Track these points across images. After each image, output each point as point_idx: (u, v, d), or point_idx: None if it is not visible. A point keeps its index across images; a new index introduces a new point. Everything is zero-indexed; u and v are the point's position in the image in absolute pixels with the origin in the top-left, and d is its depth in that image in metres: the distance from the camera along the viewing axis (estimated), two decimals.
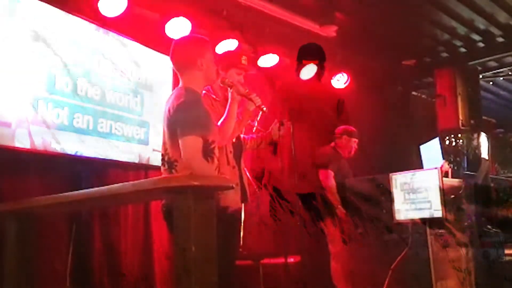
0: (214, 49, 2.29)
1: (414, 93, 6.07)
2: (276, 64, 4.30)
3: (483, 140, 4.93)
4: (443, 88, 4.82)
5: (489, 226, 3.20)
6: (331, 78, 4.89)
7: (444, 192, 2.94)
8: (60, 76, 2.98)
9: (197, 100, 2.07)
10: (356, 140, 4.09)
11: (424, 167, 3.65)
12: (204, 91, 2.58)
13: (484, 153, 4.76)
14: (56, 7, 3.00)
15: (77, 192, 2.13)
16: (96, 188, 1.96)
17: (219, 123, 2.27)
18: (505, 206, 3.58)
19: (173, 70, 3.74)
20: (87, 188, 2.22)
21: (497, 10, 4.39)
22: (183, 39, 2.32)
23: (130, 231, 3.44)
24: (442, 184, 2.94)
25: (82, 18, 3.17)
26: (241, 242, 3.08)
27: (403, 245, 3.15)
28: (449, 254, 3.00)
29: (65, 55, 3.03)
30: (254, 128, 2.77)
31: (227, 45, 3.82)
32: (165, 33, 3.56)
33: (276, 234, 4.20)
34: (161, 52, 3.71)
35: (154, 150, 3.58)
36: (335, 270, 3.78)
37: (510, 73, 5.73)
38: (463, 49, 5.19)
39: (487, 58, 5.24)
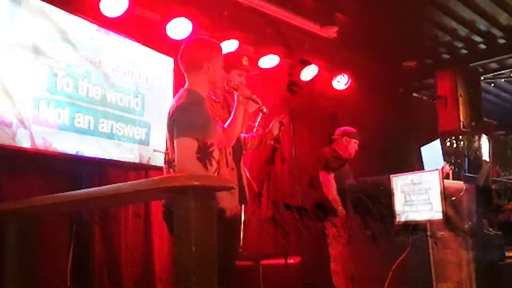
0: (223, 54, 2.28)
1: (415, 94, 6.06)
2: (277, 65, 4.30)
3: (484, 142, 4.93)
4: (444, 89, 4.80)
5: (490, 229, 3.20)
6: (332, 79, 4.89)
7: (445, 194, 2.94)
8: (61, 76, 2.98)
9: (198, 102, 2.07)
10: (357, 141, 4.09)
11: (425, 169, 3.64)
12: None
13: (485, 155, 4.76)
14: (57, 7, 3.00)
15: (77, 191, 2.14)
16: (96, 188, 1.96)
17: (225, 125, 2.28)
18: (506, 209, 3.57)
19: (174, 71, 3.79)
20: (87, 188, 2.23)
21: (499, 11, 4.38)
22: (194, 40, 2.32)
23: (131, 231, 3.44)
24: (443, 186, 2.93)
25: (84, 18, 3.17)
26: (241, 243, 3.08)
27: (404, 247, 3.14)
28: (449, 256, 2.99)
29: (66, 55, 3.03)
30: (255, 129, 2.76)
31: (228, 46, 3.82)
32: (166, 34, 3.56)
33: (276, 235, 4.20)
34: (162, 53, 3.71)
35: (154, 150, 3.58)
36: (335, 272, 3.78)
37: (511, 74, 5.72)
38: (464, 51, 5.18)
39: (489, 60, 5.23)
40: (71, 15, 3.09)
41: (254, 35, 4.15)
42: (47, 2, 2.95)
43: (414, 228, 3.14)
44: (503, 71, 5.61)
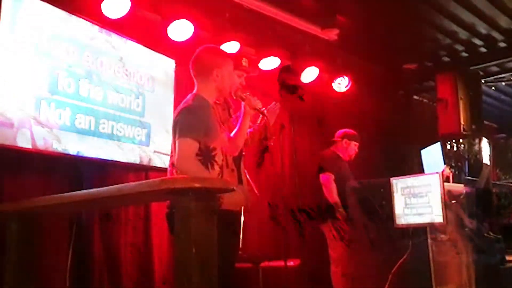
0: (233, 64, 2.31)
1: (415, 97, 6.06)
2: (278, 67, 4.30)
3: (485, 145, 4.93)
4: (444, 92, 4.80)
5: (490, 232, 3.19)
6: (332, 82, 4.89)
7: (445, 197, 2.94)
8: (62, 77, 2.99)
9: (202, 106, 2.11)
10: (357, 143, 4.10)
11: (425, 172, 3.64)
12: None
13: (486, 158, 4.76)
14: (59, 8, 3.01)
15: (78, 192, 2.13)
16: (97, 189, 1.96)
17: (231, 134, 2.32)
18: (507, 212, 3.57)
19: (175, 72, 3.79)
20: (88, 189, 2.22)
21: (499, 15, 4.39)
22: (206, 48, 2.37)
23: (131, 232, 3.44)
24: (443, 189, 2.93)
25: (85, 19, 3.17)
26: (241, 245, 3.07)
27: (404, 250, 3.14)
28: (450, 259, 2.99)
29: (68, 56, 3.03)
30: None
31: (229, 48, 3.82)
32: (168, 35, 3.57)
33: (276, 237, 4.19)
34: (164, 54, 3.72)
35: (155, 151, 3.58)
36: (335, 274, 3.77)
37: (511, 78, 5.72)
38: (464, 54, 5.18)
39: (489, 63, 5.23)
40: (73, 16, 3.10)
41: (255, 37, 4.15)
42: (49, 3, 2.96)
43: (414, 231, 3.14)
44: (503, 75, 5.61)
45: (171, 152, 2.19)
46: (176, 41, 3.61)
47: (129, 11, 3.24)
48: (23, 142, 2.75)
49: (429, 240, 2.99)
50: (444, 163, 3.73)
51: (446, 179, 3.30)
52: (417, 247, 3.08)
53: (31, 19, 2.85)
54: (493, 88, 6.06)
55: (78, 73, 3.08)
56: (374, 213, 3.51)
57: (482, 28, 4.63)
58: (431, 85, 5.42)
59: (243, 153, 2.53)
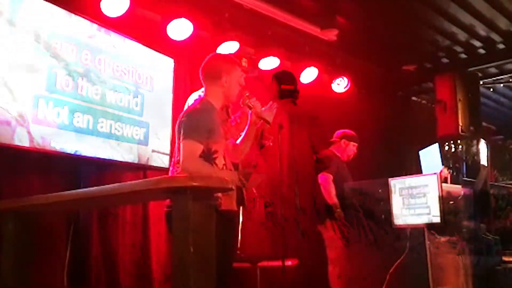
0: (242, 72, 2.35)
1: (414, 98, 6.07)
2: (277, 67, 4.30)
3: (483, 147, 4.94)
4: (443, 94, 4.80)
5: (487, 233, 3.19)
6: (332, 82, 4.89)
7: (443, 198, 2.94)
8: (61, 75, 2.98)
9: (208, 111, 2.17)
10: (356, 144, 4.10)
11: (423, 173, 3.65)
12: (203, 93, 2.60)
13: (483, 159, 4.77)
14: (58, 6, 3.00)
15: (75, 191, 2.13)
16: (95, 188, 1.95)
17: (237, 141, 2.38)
18: (504, 213, 3.57)
19: (174, 71, 3.79)
20: (85, 188, 2.22)
21: (498, 16, 4.39)
22: (216, 54, 2.46)
23: (129, 231, 3.43)
24: (441, 190, 2.94)
25: (84, 17, 3.17)
26: (239, 245, 3.07)
27: (401, 251, 3.14)
28: (447, 260, 2.99)
29: (66, 54, 3.02)
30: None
31: (229, 48, 3.82)
32: (167, 34, 3.56)
33: (274, 237, 4.19)
34: (163, 53, 3.71)
35: (153, 151, 3.57)
36: (332, 274, 3.77)
37: (510, 80, 5.73)
38: (463, 55, 5.19)
39: (488, 65, 5.24)
40: (72, 15, 3.09)
41: (255, 37, 4.15)
42: (48, 1, 2.95)
43: (412, 231, 3.14)
44: (502, 76, 5.62)
45: (173, 152, 2.22)
46: (175, 40, 3.61)
47: (128, 9, 3.24)
48: (21, 141, 2.75)
49: (426, 241, 2.99)
50: (442, 164, 3.73)
51: (444, 180, 3.31)
52: (415, 248, 3.08)
53: (30, 17, 2.84)
54: (492, 89, 6.07)
55: (77, 72, 3.07)
56: (372, 213, 3.51)
57: (481, 30, 4.64)
58: (430, 87, 5.42)
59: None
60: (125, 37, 3.44)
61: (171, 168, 2.27)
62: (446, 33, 4.70)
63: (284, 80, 3.08)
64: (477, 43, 4.93)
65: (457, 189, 3.29)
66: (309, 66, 4.57)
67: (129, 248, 3.42)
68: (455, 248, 3.02)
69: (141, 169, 3.56)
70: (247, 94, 2.38)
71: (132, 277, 3.38)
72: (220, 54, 2.47)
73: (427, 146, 3.96)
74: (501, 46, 4.93)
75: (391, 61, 5.16)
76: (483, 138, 5.10)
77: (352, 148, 4.08)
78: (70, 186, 2.82)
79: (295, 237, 3.82)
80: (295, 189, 3.10)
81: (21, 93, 2.77)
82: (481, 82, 5.39)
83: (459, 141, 5.41)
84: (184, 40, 3.61)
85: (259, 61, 4.21)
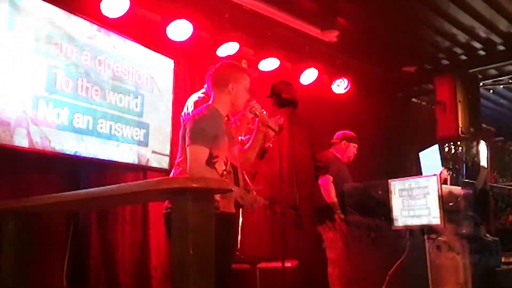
0: (249, 81, 2.39)
1: (414, 99, 6.07)
2: (277, 68, 4.31)
3: (482, 148, 4.94)
4: (443, 95, 4.80)
5: (487, 234, 3.20)
6: (332, 83, 4.90)
7: (443, 199, 2.94)
8: (61, 76, 2.98)
9: (214, 117, 2.21)
10: (356, 145, 4.10)
11: (423, 174, 3.65)
12: (203, 94, 2.60)
13: (483, 161, 4.76)
14: (58, 7, 3.01)
15: (75, 192, 2.13)
16: (94, 188, 1.96)
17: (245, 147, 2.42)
18: (503, 214, 3.57)
19: (174, 72, 3.79)
20: (85, 188, 2.22)
21: (498, 18, 4.39)
22: (225, 62, 2.47)
23: (128, 232, 3.43)
24: (441, 191, 2.94)
25: (84, 18, 3.17)
26: (239, 246, 3.07)
27: (401, 251, 3.14)
28: (447, 261, 2.99)
29: (66, 55, 3.03)
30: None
31: (228, 49, 3.82)
32: (167, 35, 3.56)
33: (273, 238, 4.19)
34: (163, 54, 3.71)
35: (153, 151, 3.57)
36: (331, 275, 3.77)
37: (510, 81, 5.73)
38: (463, 57, 5.19)
39: (488, 66, 5.24)
40: (72, 15, 3.09)
41: (255, 38, 4.15)
42: (48, 2, 2.95)
43: (412, 233, 3.14)
44: (502, 78, 5.62)
45: (175, 153, 2.24)
46: (175, 41, 3.61)
47: (128, 10, 3.24)
48: (20, 141, 2.75)
49: (426, 242, 2.99)
50: (442, 166, 3.73)
51: (444, 182, 3.31)
52: (415, 249, 3.08)
53: (30, 18, 2.84)
54: (492, 91, 6.07)
55: (77, 72, 3.08)
56: (372, 215, 3.51)
57: (481, 31, 4.64)
58: (430, 88, 5.42)
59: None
60: (125, 37, 3.44)
61: (173, 170, 2.28)
62: (446, 34, 4.70)
63: (284, 90, 3.10)
64: (477, 45, 4.93)
65: (457, 190, 3.29)
66: (309, 67, 4.57)
67: (129, 248, 3.42)
68: (455, 249, 3.02)
69: (141, 170, 3.56)
70: (254, 102, 2.40)
71: (132, 277, 3.38)
72: (229, 62, 2.49)
73: (427, 147, 3.96)
74: (501, 47, 4.94)
75: (391, 62, 5.16)
76: (483, 140, 5.10)
77: (352, 149, 4.08)
78: (70, 186, 2.83)
79: (294, 238, 3.82)
80: (295, 190, 3.09)
81: (21, 93, 2.78)
82: (481, 84, 5.39)
83: (459, 143, 5.42)
84: (184, 40, 3.61)
85: (259, 62, 4.22)
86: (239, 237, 2.99)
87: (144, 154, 3.51)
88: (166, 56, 3.74)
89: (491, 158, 5.90)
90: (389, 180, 3.21)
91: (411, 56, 5.12)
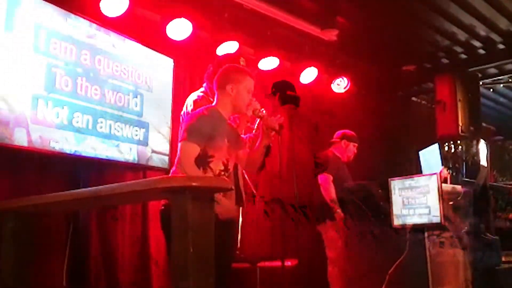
0: (252, 83, 2.39)
1: (414, 98, 6.07)
2: (276, 67, 4.30)
3: (482, 147, 4.93)
4: (443, 94, 4.80)
5: (487, 233, 3.20)
6: (331, 82, 4.89)
7: (443, 198, 2.94)
8: (60, 75, 2.98)
9: (213, 117, 2.21)
10: (356, 144, 4.10)
11: (423, 173, 3.64)
12: (202, 93, 2.60)
13: (483, 160, 4.75)
14: (57, 6, 3.00)
15: (75, 191, 2.13)
16: (94, 188, 1.95)
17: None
18: (503, 213, 3.57)
19: (173, 71, 3.79)
20: (85, 188, 2.22)
21: (498, 17, 4.39)
22: (229, 65, 2.46)
23: (128, 231, 3.43)
24: (441, 190, 2.94)
25: (84, 17, 3.17)
26: (239, 245, 3.07)
27: (401, 250, 3.14)
28: (447, 260, 2.99)
29: (65, 54, 3.02)
30: (254, 131, 2.76)
31: (228, 48, 3.82)
32: (166, 34, 3.56)
33: (273, 237, 4.19)
34: (162, 53, 3.71)
35: (153, 151, 3.57)
36: (331, 275, 3.77)
37: (510, 80, 5.73)
38: (463, 55, 5.19)
39: (488, 65, 5.24)
40: (71, 15, 3.09)
41: (254, 37, 4.15)
42: (47, 1, 2.95)
43: (412, 231, 3.14)
44: (501, 77, 5.62)
45: (175, 152, 2.25)
46: (175, 40, 3.61)
47: (127, 9, 3.24)
48: (20, 141, 2.74)
49: (426, 241, 2.99)
50: (442, 165, 3.73)
51: (444, 181, 3.30)
52: (415, 248, 3.08)
53: (29, 17, 2.84)
54: (492, 90, 6.07)
55: (76, 72, 3.07)
56: (371, 214, 3.51)
57: (481, 30, 4.64)
58: (430, 87, 5.43)
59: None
60: (125, 37, 3.44)
61: (173, 169, 2.28)
62: (446, 33, 4.70)
63: (287, 87, 3.10)
64: (477, 43, 4.93)
65: (457, 189, 3.29)
66: (309, 67, 4.57)
67: (129, 248, 3.41)
68: (455, 248, 3.02)
69: (140, 169, 3.55)
70: (253, 100, 2.39)
71: (132, 276, 3.38)
72: (233, 65, 2.49)
73: (427, 146, 3.96)
74: (501, 46, 4.93)
75: (391, 62, 5.16)
76: (483, 139, 5.09)
77: (352, 148, 4.08)
78: (70, 186, 2.82)
79: (294, 237, 3.82)
80: (294, 189, 3.09)
81: (20, 93, 2.77)
82: (481, 83, 5.40)
83: (459, 142, 5.41)
84: (184, 40, 3.61)
85: (258, 61, 4.21)
86: (239, 237, 2.99)
87: (143, 153, 3.51)
88: (166, 55, 3.73)
89: (491, 157, 5.89)
90: (389, 179, 3.21)
91: (411, 55, 5.11)
